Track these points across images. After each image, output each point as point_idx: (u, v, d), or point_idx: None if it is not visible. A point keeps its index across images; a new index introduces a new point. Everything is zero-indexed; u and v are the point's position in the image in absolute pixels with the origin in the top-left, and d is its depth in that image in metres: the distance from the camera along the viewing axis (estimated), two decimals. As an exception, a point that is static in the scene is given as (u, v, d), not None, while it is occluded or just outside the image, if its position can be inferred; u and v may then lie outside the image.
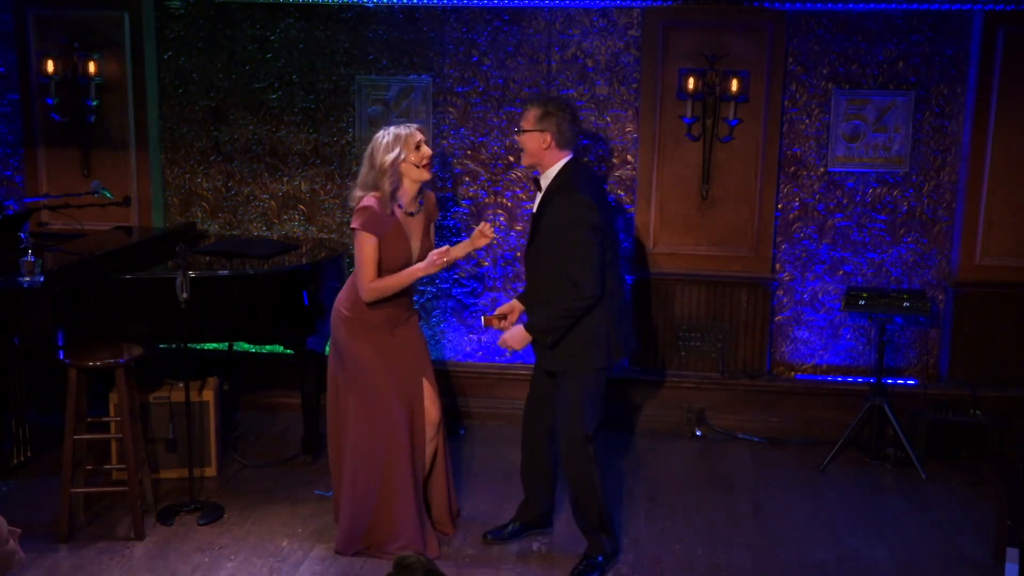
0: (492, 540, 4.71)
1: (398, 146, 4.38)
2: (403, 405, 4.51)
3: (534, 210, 4.37)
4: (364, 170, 4.47)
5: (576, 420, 4.33)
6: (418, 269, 4.43)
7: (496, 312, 4.57)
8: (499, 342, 4.40)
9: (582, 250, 4.17)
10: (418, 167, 4.41)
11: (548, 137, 4.27)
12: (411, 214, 4.49)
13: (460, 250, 4.65)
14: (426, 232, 4.57)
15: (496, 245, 6.24)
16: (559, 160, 4.31)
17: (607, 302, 4.30)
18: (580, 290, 4.17)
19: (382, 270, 4.42)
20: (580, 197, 4.20)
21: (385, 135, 4.43)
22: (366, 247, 4.38)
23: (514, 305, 4.57)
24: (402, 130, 4.43)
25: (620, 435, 6.05)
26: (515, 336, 4.33)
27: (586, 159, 6.16)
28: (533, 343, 4.38)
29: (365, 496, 4.53)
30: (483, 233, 4.49)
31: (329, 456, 4.75)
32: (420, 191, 4.52)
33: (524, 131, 4.32)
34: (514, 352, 4.62)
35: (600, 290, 4.20)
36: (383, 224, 4.40)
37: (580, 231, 4.17)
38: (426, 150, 4.42)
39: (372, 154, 4.43)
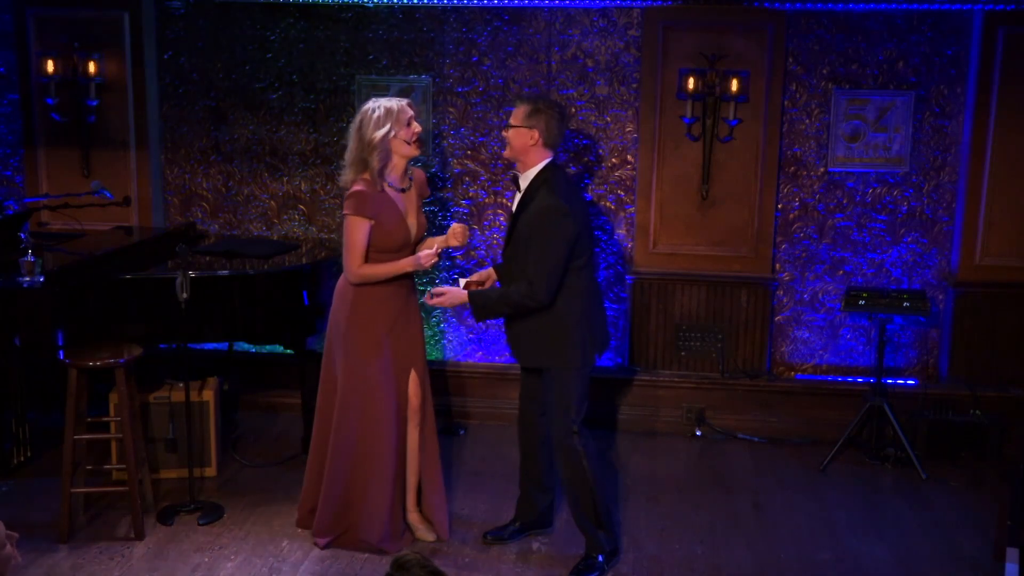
0: (492, 540, 4.71)
1: (389, 122, 4.32)
2: (392, 396, 4.52)
3: (513, 209, 4.38)
4: (352, 144, 4.39)
5: (561, 415, 4.38)
6: (406, 264, 4.39)
7: (473, 277, 4.53)
8: (433, 292, 4.34)
9: (549, 257, 4.19)
10: (408, 143, 4.38)
11: (536, 134, 4.28)
12: (403, 190, 4.47)
13: (436, 245, 4.62)
14: (419, 209, 4.56)
15: (496, 244, 6.23)
16: (541, 160, 4.32)
17: (585, 300, 4.36)
18: (532, 290, 4.20)
19: (383, 251, 4.40)
20: (560, 205, 4.21)
21: (375, 109, 4.34)
22: (357, 231, 4.36)
23: (490, 273, 4.56)
24: (393, 104, 4.36)
25: (620, 435, 6.05)
26: (453, 296, 4.34)
27: (586, 159, 6.17)
28: (510, 343, 4.45)
29: (343, 481, 4.56)
30: (455, 235, 4.46)
31: (312, 440, 4.73)
32: (408, 167, 4.50)
33: (512, 126, 4.33)
34: (445, 310, 4.55)
35: (550, 298, 4.24)
36: (376, 206, 4.36)
37: (553, 239, 4.19)
38: (416, 126, 4.39)
39: (360, 128, 4.35)
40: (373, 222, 4.36)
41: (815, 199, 6.09)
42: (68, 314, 4.89)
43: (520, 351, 4.46)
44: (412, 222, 4.48)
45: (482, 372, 6.27)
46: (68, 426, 4.65)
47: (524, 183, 4.33)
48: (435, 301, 4.37)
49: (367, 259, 4.42)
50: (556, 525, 4.86)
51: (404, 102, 4.41)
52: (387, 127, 4.32)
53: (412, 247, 4.51)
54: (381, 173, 4.38)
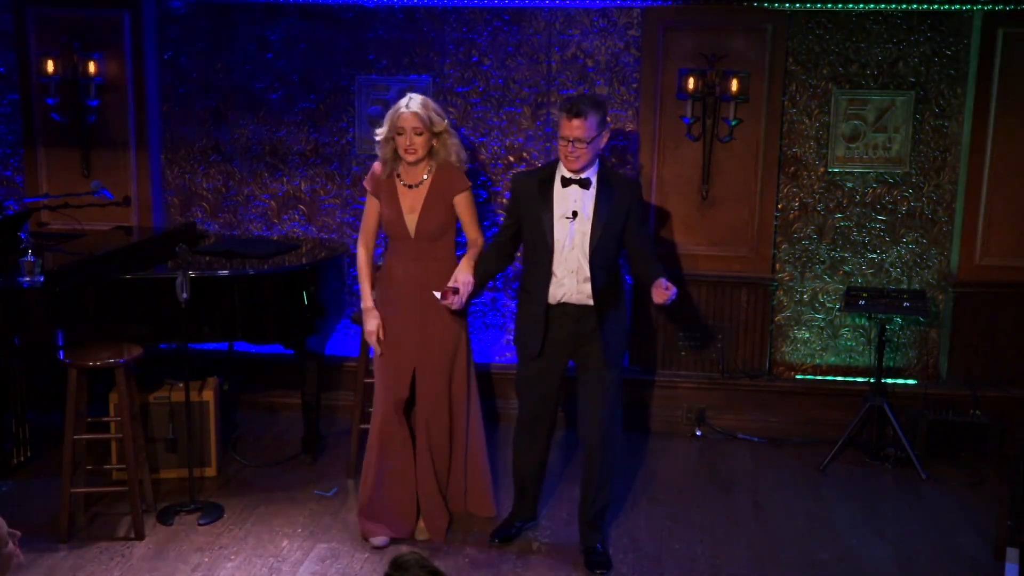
0: (500, 543, 4.72)
1: (388, 124, 4.52)
2: (388, 387, 4.60)
3: (588, 210, 4.32)
4: None
5: (615, 413, 4.49)
6: (365, 297, 4.62)
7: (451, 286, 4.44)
8: (671, 297, 4.17)
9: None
10: (399, 150, 4.50)
11: (607, 134, 4.45)
12: (409, 186, 4.55)
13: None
14: (438, 206, 4.53)
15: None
16: None
17: None
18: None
19: (388, 235, 4.64)
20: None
21: (396, 106, 4.51)
22: (367, 206, 4.69)
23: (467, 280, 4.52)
24: (399, 109, 4.48)
25: (621, 435, 6.04)
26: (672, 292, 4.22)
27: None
28: (604, 344, 4.40)
29: (366, 471, 4.72)
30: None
31: None
32: (430, 164, 4.54)
33: (591, 139, 4.27)
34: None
35: None
36: (380, 187, 4.61)
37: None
38: (403, 139, 4.43)
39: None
40: (379, 200, 4.61)
41: (815, 199, 6.09)
42: (68, 314, 4.89)
43: (618, 348, 4.50)
44: (412, 217, 4.54)
45: (482, 372, 6.26)
46: (68, 426, 4.66)
47: (592, 176, 4.36)
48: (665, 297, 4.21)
49: (387, 241, 4.71)
50: (552, 522, 4.88)
51: (407, 111, 4.44)
52: (385, 128, 4.53)
53: (418, 240, 4.55)
54: (387, 163, 4.58)
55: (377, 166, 4.61)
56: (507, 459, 5.17)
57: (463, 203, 4.59)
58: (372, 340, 4.59)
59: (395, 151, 4.52)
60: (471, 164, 6.13)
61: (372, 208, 4.64)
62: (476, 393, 4.80)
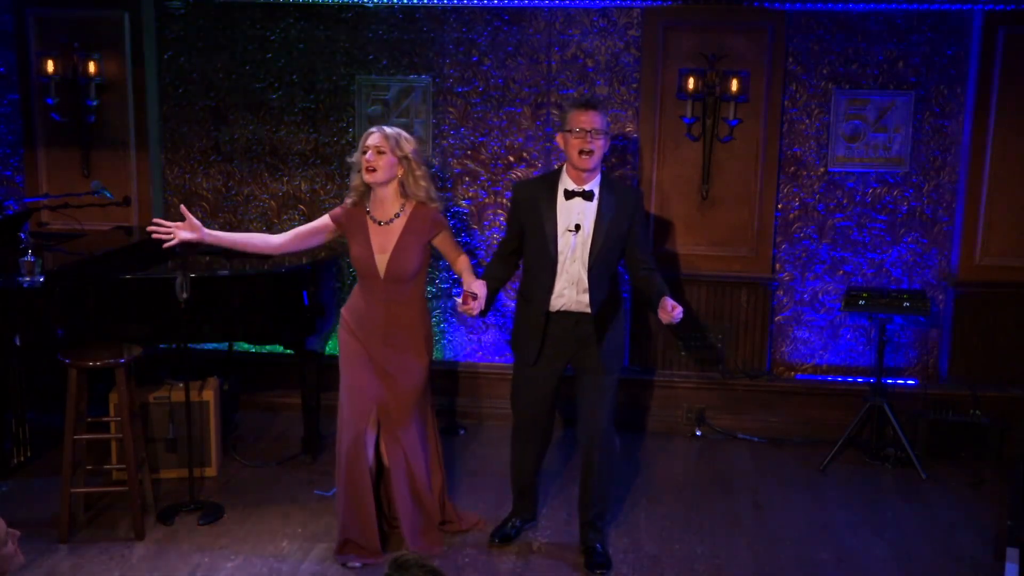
0: (500, 543, 4.71)
1: (358, 148, 4.44)
2: (355, 410, 4.47)
3: (591, 222, 4.31)
4: None
5: (611, 417, 4.51)
6: (215, 232, 4.52)
7: (475, 289, 4.32)
8: (677, 317, 4.11)
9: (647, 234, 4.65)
10: (364, 170, 4.40)
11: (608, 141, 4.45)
12: (380, 223, 4.42)
13: None
14: (412, 248, 4.40)
15: (496, 244, 6.22)
16: None
17: None
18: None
19: (358, 272, 4.48)
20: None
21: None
22: (320, 218, 4.55)
23: (482, 285, 4.41)
24: (367, 131, 4.45)
25: (620, 435, 6.02)
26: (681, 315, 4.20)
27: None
28: (602, 350, 4.41)
29: (338, 496, 4.57)
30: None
31: None
32: (403, 203, 4.42)
33: (605, 130, 4.34)
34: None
35: None
36: (347, 222, 4.47)
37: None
38: (367, 157, 4.34)
39: None
40: (336, 227, 4.49)
41: (815, 199, 6.09)
42: (68, 314, 4.89)
43: (615, 354, 4.51)
44: (383, 258, 4.40)
45: (482, 372, 6.27)
46: (68, 426, 4.65)
47: (595, 187, 4.35)
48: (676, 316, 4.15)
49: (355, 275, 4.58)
50: (550, 523, 4.89)
51: (372, 130, 4.41)
52: (358, 152, 4.43)
53: (387, 282, 4.42)
54: (363, 194, 4.46)
55: (348, 201, 4.48)
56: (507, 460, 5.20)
57: (445, 242, 4.52)
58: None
59: (360, 177, 4.41)
60: (449, 204, 6.08)
61: (320, 224, 4.51)
62: (432, 416, 4.72)
